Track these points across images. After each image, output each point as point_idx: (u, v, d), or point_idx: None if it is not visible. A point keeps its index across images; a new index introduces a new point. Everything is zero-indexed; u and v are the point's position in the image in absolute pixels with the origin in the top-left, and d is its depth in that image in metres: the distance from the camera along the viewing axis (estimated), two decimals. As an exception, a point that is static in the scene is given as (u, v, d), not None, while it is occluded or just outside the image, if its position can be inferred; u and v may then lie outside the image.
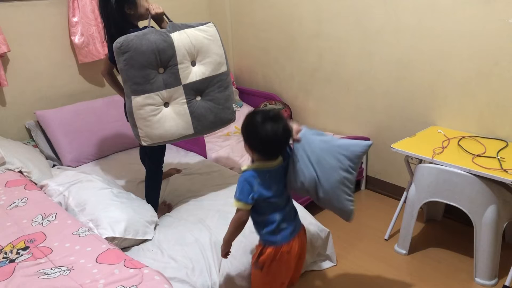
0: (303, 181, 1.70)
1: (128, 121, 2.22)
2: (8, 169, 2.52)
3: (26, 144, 2.99)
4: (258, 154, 1.70)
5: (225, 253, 1.83)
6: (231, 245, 1.82)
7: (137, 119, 2.07)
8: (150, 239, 2.07)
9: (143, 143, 2.13)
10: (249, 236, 2.09)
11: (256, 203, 1.69)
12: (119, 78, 2.28)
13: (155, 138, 2.12)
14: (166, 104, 2.13)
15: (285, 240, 1.76)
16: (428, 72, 2.65)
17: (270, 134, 1.62)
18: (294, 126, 1.73)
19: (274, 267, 1.78)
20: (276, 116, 1.65)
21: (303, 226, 1.89)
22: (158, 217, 2.26)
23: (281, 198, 1.76)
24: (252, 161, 1.76)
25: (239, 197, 1.68)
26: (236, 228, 1.75)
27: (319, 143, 1.71)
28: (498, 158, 2.18)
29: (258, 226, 1.79)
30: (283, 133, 1.65)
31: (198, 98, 2.20)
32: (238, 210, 1.71)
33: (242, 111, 3.67)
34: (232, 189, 2.45)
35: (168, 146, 3.19)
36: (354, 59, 3.02)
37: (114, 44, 1.99)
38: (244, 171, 1.71)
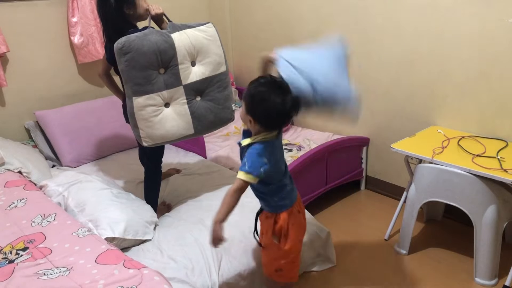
0: (299, 92, 1.62)
1: (126, 122, 2.22)
2: (7, 169, 2.52)
3: (25, 144, 2.98)
4: (261, 125, 1.62)
5: (219, 238, 1.62)
6: (223, 227, 1.64)
7: (138, 120, 2.07)
8: (149, 240, 2.07)
9: (145, 144, 2.12)
10: (249, 236, 2.09)
11: (265, 174, 1.63)
12: (116, 79, 2.28)
13: (156, 138, 2.12)
14: (167, 105, 2.12)
15: (294, 200, 1.79)
16: (428, 72, 2.64)
17: (279, 106, 1.55)
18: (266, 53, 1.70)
19: (291, 231, 1.77)
20: (284, 86, 1.59)
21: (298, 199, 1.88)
22: (158, 217, 2.26)
23: (284, 160, 1.76)
24: (248, 134, 1.69)
25: (249, 170, 1.59)
26: (236, 200, 1.62)
27: (299, 53, 1.70)
28: (498, 158, 2.18)
29: (269, 196, 1.76)
30: (292, 105, 1.58)
31: (198, 98, 2.20)
32: (241, 181, 1.60)
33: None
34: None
35: (167, 146, 3.18)
36: (353, 59, 3.00)
37: (115, 45, 1.98)
38: (250, 144, 1.64)
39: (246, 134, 1.72)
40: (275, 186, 1.73)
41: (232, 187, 1.62)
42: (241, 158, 1.71)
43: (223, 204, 1.63)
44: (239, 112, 1.75)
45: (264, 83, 1.60)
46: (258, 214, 1.90)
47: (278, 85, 1.59)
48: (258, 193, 1.79)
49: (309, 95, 1.64)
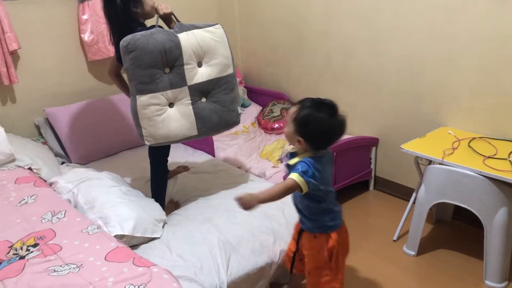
0: None
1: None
2: (18, 166, 2.53)
3: (35, 141, 3.00)
4: (312, 144, 1.67)
5: (248, 208, 1.63)
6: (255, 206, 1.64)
7: (141, 119, 2.07)
8: (158, 237, 2.08)
9: (147, 143, 2.13)
10: (258, 235, 2.09)
11: (313, 191, 1.66)
12: (126, 78, 2.29)
13: (159, 138, 2.12)
14: (171, 105, 2.13)
15: (341, 221, 1.82)
16: (438, 72, 2.63)
17: (329, 127, 1.63)
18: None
19: (340, 251, 1.80)
20: (333, 106, 1.65)
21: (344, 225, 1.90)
22: (166, 215, 2.26)
23: (329, 182, 1.76)
24: (293, 155, 1.74)
25: (301, 173, 1.62)
26: (281, 195, 1.64)
27: None
28: (509, 160, 2.16)
29: (319, 216, 1.77)
30: (341, 124, 1.66)
31: (203, 100, 2.20)
32: (293, 181, 1.62)
33: (250, 110, 3.67)
34: (240, 188, 2.48)
35: (176, 144, 3.19)
36: (362, 58, 3.00)
37: (121, 43, 1.99)
38: (300, 160, 1.67)
39: (291, 155, 1.76)
40: (326, 205, 1.75)
41: (283, 183, 1.65)
42: (294, 202, 1.82)
43: (269, 191, 1.66)
44: (284, 132, 1.77)
45: (314, 104, 1.66)
46: (299, 235, 1.88)
47: (328, 106, 1.65)
48: (308, 213, 1.79)
49: None
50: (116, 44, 2.21)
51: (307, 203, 1.76)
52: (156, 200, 2.33)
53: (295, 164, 1.68)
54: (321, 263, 1.80)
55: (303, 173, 1.62)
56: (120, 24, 2.14)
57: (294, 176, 1.62)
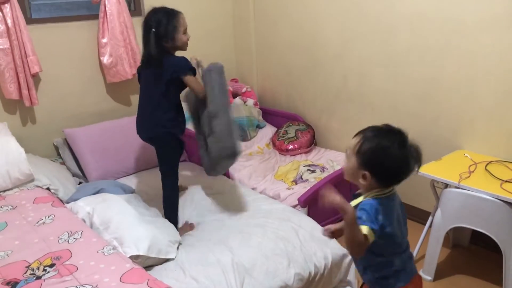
0: None
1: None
2: (36, 186, 2.58)
3: (54, 161, 3.06)
4: (378, 180, 1.45)
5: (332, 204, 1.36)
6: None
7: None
8: (172, 259, 2.08)
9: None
10: (272, 258, 2.08)
11: (377, 239, 1.41)
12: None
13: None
14: None
15: (408, 280, 1.54)
16: (455, 94, 2.62)
17: (401, 158, 1.42)
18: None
19: None
20: (404, 136, 1.46)
21: (418, 274, 1.62)
22: (180, 236, 2.28)
23: (402, 236, 1.52)
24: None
25: (365, 222, 1.39)
26: (351, 244, 1.40)
27: None
28: (527, 184, 2.13)
29: (371, 269, 1.54)
30: (415, 156, 1.46)
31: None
32: (366, 238, 1.38)
33: (265, 132, 3.69)
34: (254, 210, 2.49)
35: (191, 166, 3.22)
36: (378, 80, 3.01)
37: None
38: (363, 200, 1.47)
39: (355, 196, 1.54)
40: (383, 260, 1.51)
41: (362, 238, 1.38)
42: None
43: (347, 231, 1.38)
44: (343, 167, 1.58)
45: (381, 132, 1.47)
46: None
47: (396, 134, 1.46)
48: (363, 264, 1.57)
49: None
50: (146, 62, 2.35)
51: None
52: (171, 221, 2.35)
53: (361, 206, 1.45)
54: None
55: (367, 222, 1.39)
56: (151, 52, 2.27)
57: (365, 231, 1.38)
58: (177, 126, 2.42)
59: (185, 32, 2.33)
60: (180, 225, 2.45)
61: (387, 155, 1.42)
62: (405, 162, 1.44)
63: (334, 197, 1.35)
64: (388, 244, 1.48)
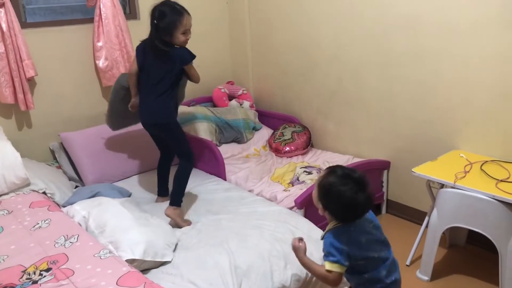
0: None
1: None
2: (32, 190, 2.57)
3: (50, 165, 3.05)
4: (331, 215, 1.61)
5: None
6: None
7: None
8: (169, 261, 2.08)
9: None
10: (269, 259, 2.08)
11: (352, 262, 1.58)
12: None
13: None
14: None
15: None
16: (450, 95, 2.63)
17: (351, 202, 1.54)
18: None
19: None
20: (362, 181, 1.56)
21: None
22: (181, 227, 2.39)
23: (379, 249, 1.64)
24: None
25: (331, 258, 1.55)
26: (321, 279, 1.63)
27: None
28: (522, 184, 2.14)
29: (363, 285, 1.66)
30: (365, 202, 1.56)
31: None
32: (330, 272, 1.56)
33: (261, 134, 3.70)
34: (251, 212, 2.49)
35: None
36: (374, 82, 3.02)
37: None
38: (325, 234, 1.63)
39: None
40: (369, 276, 1.62)
41: (323, 273, 1.59)
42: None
43: (313, 265, 1.65)
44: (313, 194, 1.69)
45: (342, 175, 1.58)
46: None
47: (355, 180, 1.56)
48: (352, 283, 1.72)
49: None
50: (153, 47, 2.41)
51: (347, 275, 1.65)
52: (177, 192, 2.50)
53: (323, 243, 1.62)
54: None
55: (332, 258, 1.55)
56: (154, 42, 2.37)
57: (328, 267, 1.56)
58: (176, 111, 2.63)
59: (185, 33, 2.38)
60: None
61: (339, 197, 1.55)
62: (355, 207, 1.55)
63: (297, 250, 1.66)
64: (368, 263, 1.61)
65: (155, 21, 2.34)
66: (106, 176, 3.01)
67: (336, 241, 1.56)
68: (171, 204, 2.47)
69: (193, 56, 2.44)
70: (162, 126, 2.55)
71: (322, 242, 1.65)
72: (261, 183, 2.97)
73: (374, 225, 1.67)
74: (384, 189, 3.13)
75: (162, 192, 2.79)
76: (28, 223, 2.20)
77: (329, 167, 1.65)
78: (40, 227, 2.16)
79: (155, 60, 2.43)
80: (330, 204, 1.58)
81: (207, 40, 3.75)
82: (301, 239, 1.68)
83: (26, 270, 1.82)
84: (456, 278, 2.46)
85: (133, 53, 3.20)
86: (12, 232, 2.12)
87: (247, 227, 2.33)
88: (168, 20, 2.33)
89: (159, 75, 2.43)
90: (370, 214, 1.67)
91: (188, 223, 2.46)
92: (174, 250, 2.17)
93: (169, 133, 2.56)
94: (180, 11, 2.36)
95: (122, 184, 2.99)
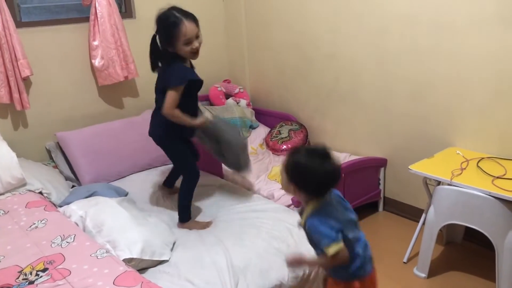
0: None
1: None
2: (29, 190, 2.57)
3: (46, 165, 3.04)
4: (309, 194, 1.60)
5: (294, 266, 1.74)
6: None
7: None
8: (167, 261, 2.08)
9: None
10: (265, 257, 2.08)
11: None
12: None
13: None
14: None
15: (369, 270, 1.67)
16: (446, 92, 2.63)
17: (321, 173, 1.55)
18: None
19: None
20: (325, 153, 1.58)
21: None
22: (190, 229, 2.37)
23: (353, 227, 1.65)
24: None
25: (327, 241, 1.53)
26: (337, 265, 1.60)
27: None
28: (519, 180, 2.15)
29: (341, 267, 1.64)
30: (339, 170, 1.59)
31: None
32: (337, 253, 1.53)
33: (258, 132, 3.69)
34: (248, 210, 2.49)
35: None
36: (370, 80, 3.02)
37: None
38: (306, 220, 1.61)
39: (300, 213, 1.69)
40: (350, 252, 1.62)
41: (331, 259, 1.55)
42: (309, 240, 1.66)
43: (317, 263, 1.71)
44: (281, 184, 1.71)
45: (305, 151, 1.61)
46: (324, 281, 1.84)
47: (319, 153, 1.58)
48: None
49: None
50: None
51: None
52: (180, 209, 2.42)
53: (306, 229, 1.62)
54: None
55: (328, 240, 1.53)
56: (158, 54, 2.26)
57: (330, 251, 1.52)
58: (176, 128, 2.30)
59: (188, 43, 2.16)
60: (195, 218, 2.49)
61: (309, 171, 1.56)
62: (325, 177, 1.57)
63: (299, 262, 1.68)
64: (346, 243, 1.58)
65: (155, 34, 2.21)
66: (102, 175, 3.00)
67: (323, 223, 1.56)
68: (179, 221, 2.45)
69: (181, 82, 2.17)
70: (156, 143, 2.46)
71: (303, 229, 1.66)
72: (258, 181, 2.97)
73: (344, 207, 1.69)
74: (381, 187, 3.14)
75: (166, 183, 2.79)
76: (24, 223, 2.19)
77: (290, 149, 1.68)
78: (36, 227, 2.16)
79: (159, 73, 2.33)
80: (301, 181, 1.58)
81: (203, 38, 3.73)
82: (290, 255, 1.71)
83: (22, 270, 1.82)
84: (453, 274, 2.47)
85: (129, 52, 3.19)
86: (8, 232, 2.12)
87: (244, 225, 2.33)
88: (164, 31, 2.18)
89: (156, 90, 2.33)
90: (340, 197, 1.69)
91: (207, 224, 2.42)
92: (172, 249, 2.17)
93: (164, 151, 2.47)
94: (176, 22, 2.12)
95: (119, 183, 2.98)
